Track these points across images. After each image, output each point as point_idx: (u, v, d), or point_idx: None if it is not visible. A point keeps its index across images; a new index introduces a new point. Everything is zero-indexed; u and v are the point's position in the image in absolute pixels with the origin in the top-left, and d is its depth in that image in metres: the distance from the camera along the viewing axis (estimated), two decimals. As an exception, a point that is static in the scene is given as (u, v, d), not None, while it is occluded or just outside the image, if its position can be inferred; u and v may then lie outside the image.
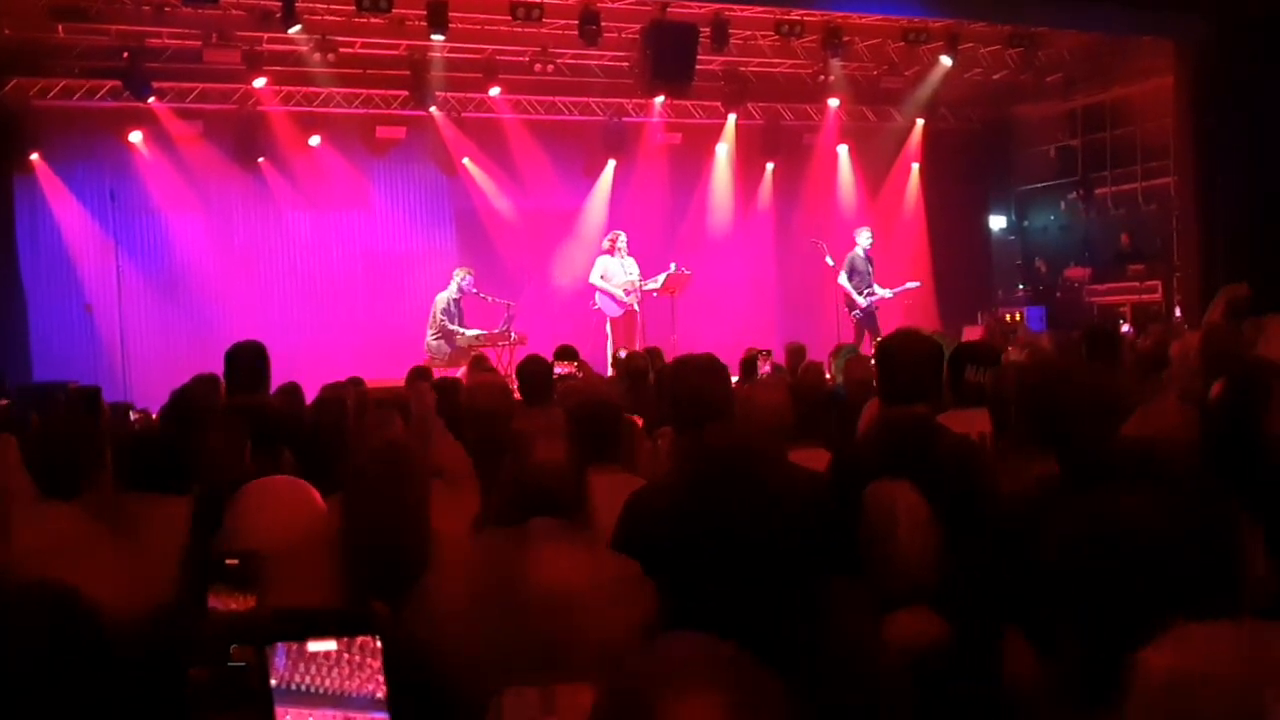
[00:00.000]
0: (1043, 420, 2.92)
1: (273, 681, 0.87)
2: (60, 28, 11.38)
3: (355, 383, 7.29)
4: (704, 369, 3.24)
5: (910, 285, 13.15)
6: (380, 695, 0.89)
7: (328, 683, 0.88)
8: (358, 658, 0.89)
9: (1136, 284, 13.92)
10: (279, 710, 0.88)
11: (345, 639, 0.88)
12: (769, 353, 6.78)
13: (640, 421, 4.77)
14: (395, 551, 2.55)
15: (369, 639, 0.89)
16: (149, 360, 11.78)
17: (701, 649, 1.07)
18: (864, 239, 12.76)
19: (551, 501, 2.38)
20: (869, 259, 12.75)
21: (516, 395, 5.93)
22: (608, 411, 3.49)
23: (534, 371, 5.73)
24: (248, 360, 5.09)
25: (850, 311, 12.69)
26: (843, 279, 12.68)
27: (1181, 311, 12.70)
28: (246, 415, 4.31)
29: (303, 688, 0.88)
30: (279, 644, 0.89)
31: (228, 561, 1.85)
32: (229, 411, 4.58)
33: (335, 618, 0.90)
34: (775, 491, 2.82)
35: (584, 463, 3.36)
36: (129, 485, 3.62)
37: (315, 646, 0.89)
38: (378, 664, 0.88)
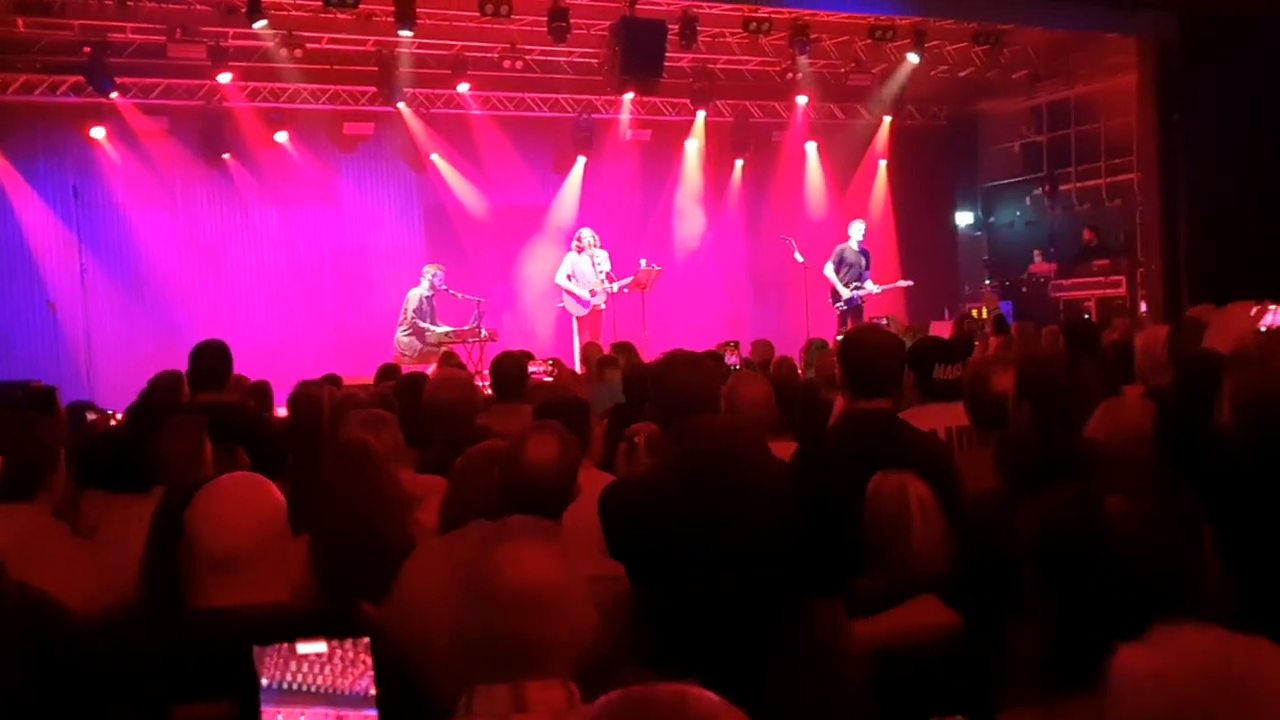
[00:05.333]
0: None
1: (263, 680, 0.86)
2: (20, 21, 11.23)
3: (331, 380, 7.25)
4: (693, 364, 3.22)
5: (902, 284, 13.28)
6: (371, 692, 0.89)
7: (319, 680, 0.88)
8: (350, 654, 0.88)
9: (1101, 279, 14.06)
10: (269, 710, 0.88)
11: (329, 640, 0.88)
12: (736, 344, 6.79)
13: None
14: (369, 551, 2.55)
15: (356, 640, 0.88)
16: (113, 359, 11.65)
17: (661, 691, 1.04)
18: (856, 231, 12.84)
19: (541, 501, 2.38)
20: (863, 252, 12.80)
21: (486, 391, 5.93)
22: (575, 407, 3.49)
23: (507, 368, 5.69)
24: (209, 359, 5.05)
25: (834, 304, 12.74)
26: (828, 271, 12.73)
27: (1146, 305, 12.85)
28: (207, 414, 4.29)
29: (293, 686, 0.88)
30: (268, 645, 0.88)
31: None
32: (189, 410, 4.55)
33: (324, 621, 0.89)
34: (757, 487, 2.84)
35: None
36: (88, 485, 3.59)
37: (305, 649, 0.88)
38: (370, 660, 0.88)
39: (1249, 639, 1.14)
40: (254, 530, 1.96)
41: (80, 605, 2.57)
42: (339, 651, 0.89)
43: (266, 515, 2.02)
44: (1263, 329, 4.15)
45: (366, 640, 0.89)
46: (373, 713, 0.89)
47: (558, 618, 1.63)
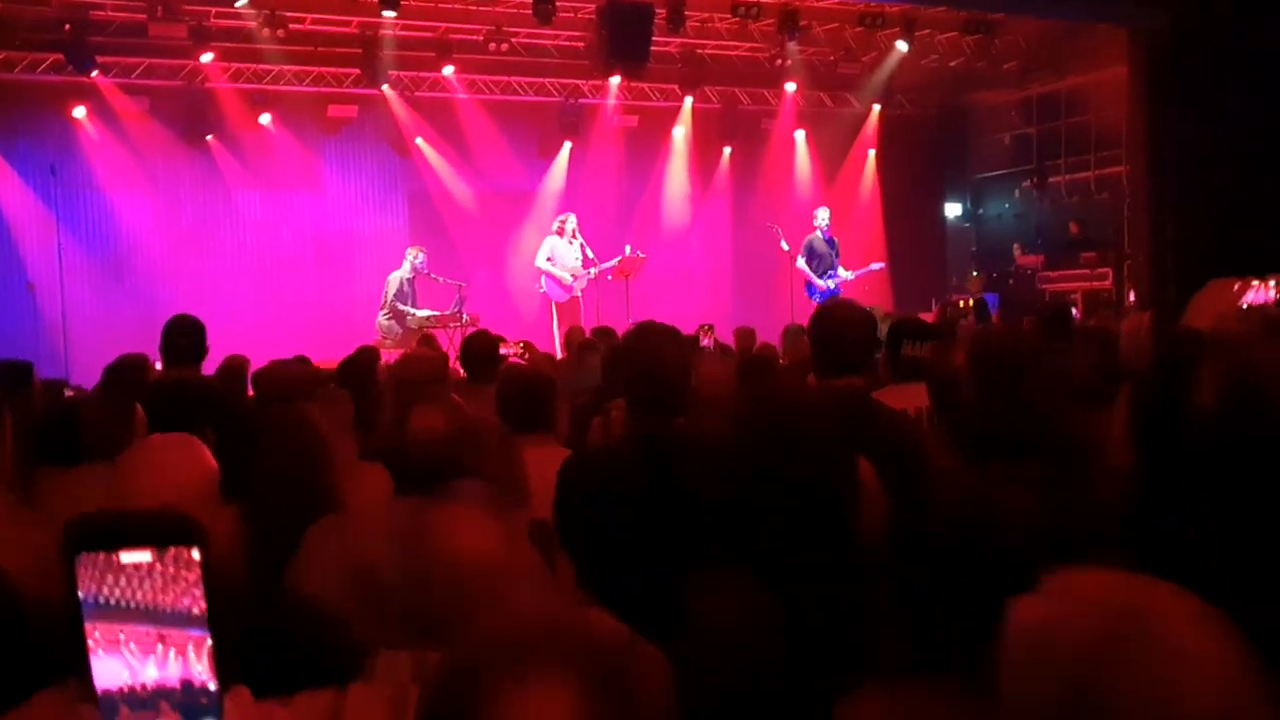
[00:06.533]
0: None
1: (80, 594, 0.78)
2: (0, -2, 11.11)
3: (300, 361, 7.18)
4: (663, 336, 3.15)
5: (874, 267, 13.09)
6: (197, 611, 0.80)
7: (139, 596, 0.79)
8: (171, 570, 0.79)
9: (1088, 271, 14.03)
10: (88, 626, 0.79)
11: (157, 550, 0.79)
12: (711, 327, 6.73)
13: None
14: (301, 520, 2.49)
15: (183, 550, 0.79)
16: (91, 340, 11.53)
17: (560, 619, 0.99)
18: (822, 218, 12.62)
19: (426, 475, 2.31)
20: (830, 240, 12.66)
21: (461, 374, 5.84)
22: (538, 383, 3.42)
23: (478, 348, 5.61)
24: (182, 334, 4.98)
25: (810, 295, 12.62)
26: (800, 263, 12.61)
27: (1135, 297, 12.81)
28: (174, 390, 4.20)
29: (112, 602, 0.79)
30: (86, 554, 0.79)
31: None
32: (155, 386, 4.47)
33: (149, 523, 0.81)
34: (729, 457, 2.77)
35: (511, 432, 3.30)
36: (44, 461, 3.51)
37: (128, 558, 0.79)
38: (194, 576, 0.79)
39: (1147, 580, 1.08)
40: (175, 492, 1.88)
41: (20, 576, 2.50)
42: (160, 564, 0.80)
43: (190, 478, 1.95)
44: (1244, 306, 4.10)
45: (194, 554, 0.80)
46: (201, 633, 0.80)
47: (482, 593, 1.57)
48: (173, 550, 0.81)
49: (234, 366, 6.61)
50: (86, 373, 9.87)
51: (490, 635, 0.94)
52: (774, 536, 2.48)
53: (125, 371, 4.87)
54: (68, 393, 7.59)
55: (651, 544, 2.63)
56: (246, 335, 10.32)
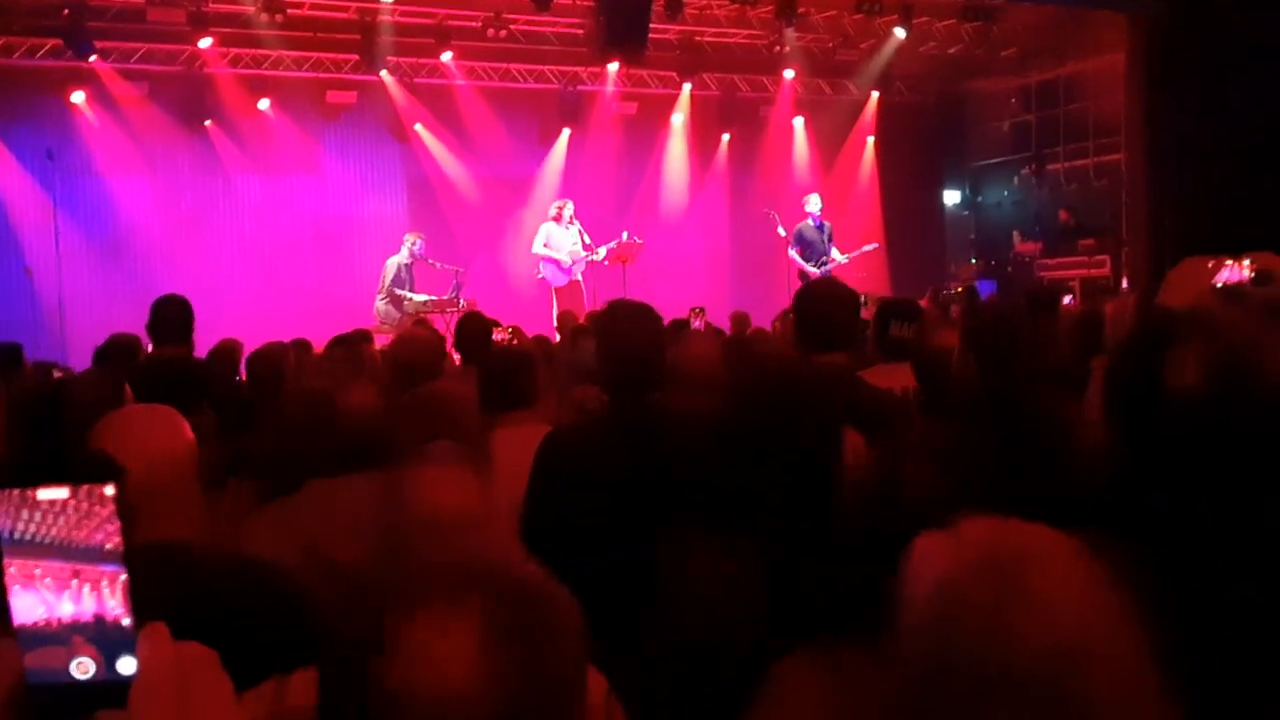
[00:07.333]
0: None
1: None
2: (-2, -18, 11.10)
3: (301, 344, 7.21)
4: (633, 313, 3.17)
5: (867, 248, 13.02)
6: (110, 546, 0.82)
7: (53, 532, 0.81)
8: (85, 505, 0.81)
9: (1085, 259, 14.02)
10: (4, 562, 0.82)
11: (73, 486, 0.81)
12: (702, 310, 6.74)
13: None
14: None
15: (97, 487, 0.81)
16: (88, 324, 11.54)
17: (476, 556, 1.04)
18: (812, 205, 12.48)
19: (360, 449, 2.33)
20: (820, 225, 12.57)
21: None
22: (518, 360, 3.44)
23: (472, 330, 5.65)
24: (170, 313, 5.00)
25: (803, 282, 12.55)
26: (792, 253, 12.55)
27: (1129, 285, 12.80)
28: (166, 368, 4.23)
29: (26, 537, 0.82)
30: (1, 491, 0.82)
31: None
32: (147, 364, 4.50)
33: (68, 462, 0.82)
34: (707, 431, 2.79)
35: (494, 410, 3.33)
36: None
37: (45, 494, 0.82)
38: (107, 512, 0.81)
39: (1034, 527, 1.11)
40: (150, 462, 1.88)
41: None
42: (73, 500, 0.82)
43: (167, 449, 1.95)
44: (1219, 285, 4.12)
45: (107, 490, 0.82)
46: (115, 569, 0.83)
47: (465, 542, 1.59)
48: (87, 487, 0.83)
49: (227, 349, 6.65)
50: (83, 357, 9.86)
51: (409, 567, 0.98)
52: (762, 507, 2.51)
53: (117, 350, 4.91)
54: (56, 374, 7.62)
55: (626, 512, 2.66)
56: (245, 320, 10.36)
